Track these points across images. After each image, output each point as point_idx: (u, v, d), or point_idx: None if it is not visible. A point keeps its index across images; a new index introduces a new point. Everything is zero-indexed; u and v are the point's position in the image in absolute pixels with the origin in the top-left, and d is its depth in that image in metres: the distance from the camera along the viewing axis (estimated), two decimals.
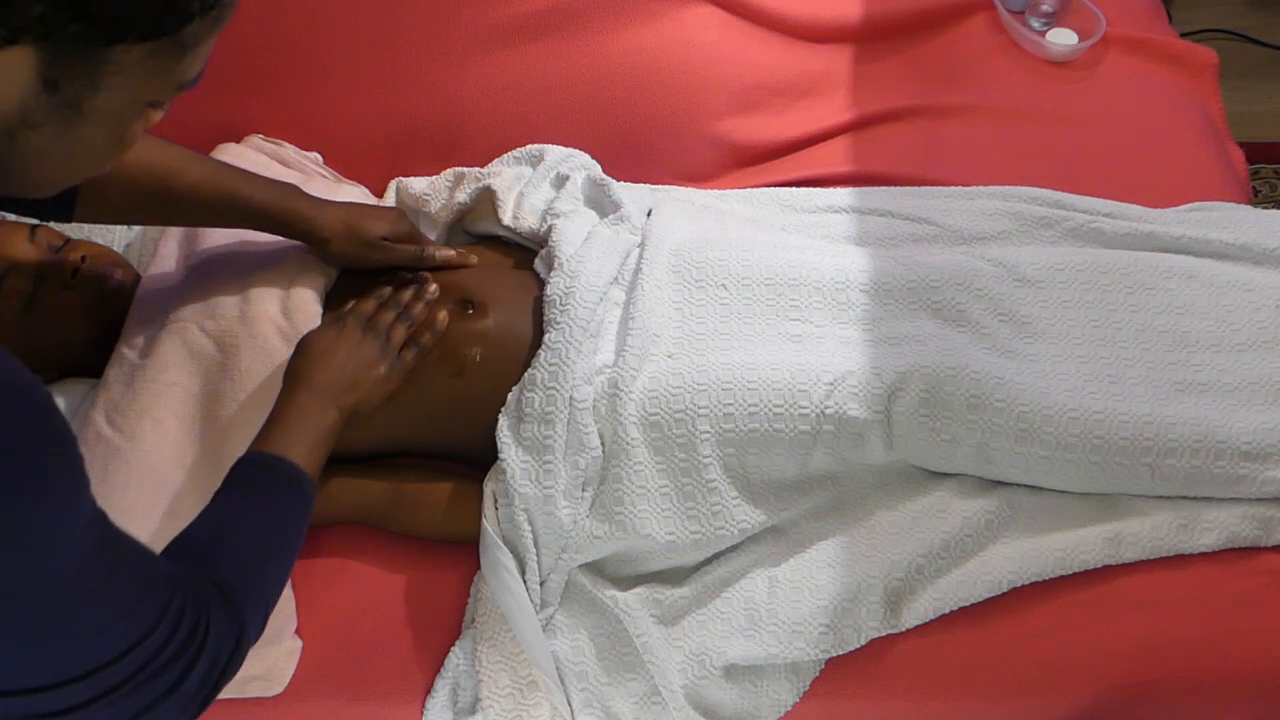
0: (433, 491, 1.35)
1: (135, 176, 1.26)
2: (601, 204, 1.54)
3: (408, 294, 1.36)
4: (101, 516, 0.85)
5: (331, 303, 1.41)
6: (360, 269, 1.41)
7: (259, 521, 1.08)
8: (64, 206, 1.23)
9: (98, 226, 1.57)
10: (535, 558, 1.28)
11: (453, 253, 1.45)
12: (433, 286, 1.38)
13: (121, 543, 0.87)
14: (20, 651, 0.80)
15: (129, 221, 1.43)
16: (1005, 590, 1.28)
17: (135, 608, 0.86)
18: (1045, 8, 1.83)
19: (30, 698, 0.81)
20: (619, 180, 1.59)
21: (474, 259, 1.47)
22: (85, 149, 0.82)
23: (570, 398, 1.29)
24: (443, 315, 1.36)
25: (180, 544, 1.02)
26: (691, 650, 1.27)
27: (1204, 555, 1.29)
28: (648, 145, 1.69)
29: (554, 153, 1.60)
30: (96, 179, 1.16)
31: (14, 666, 0.80)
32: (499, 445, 1.29)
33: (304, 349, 1.27)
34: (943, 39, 1.84)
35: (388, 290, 1.37)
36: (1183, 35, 2.03)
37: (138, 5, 0.74)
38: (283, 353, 1.34)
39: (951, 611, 1.28)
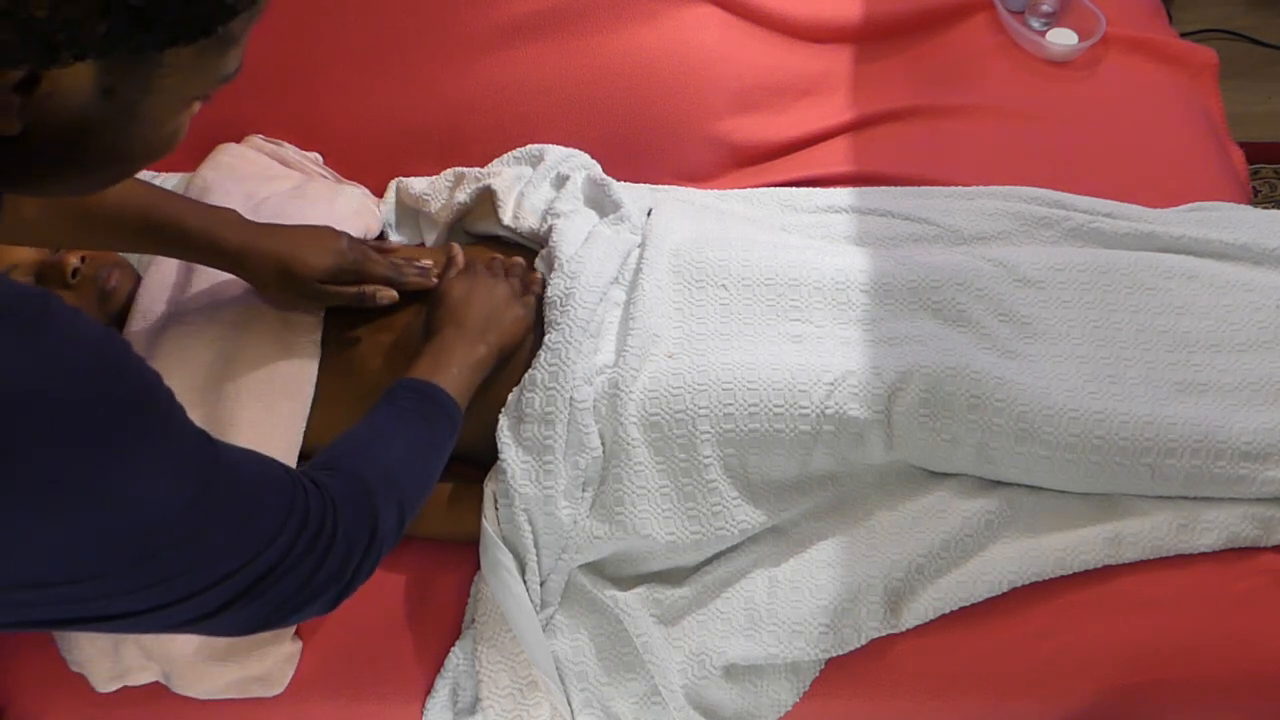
0: (434, 492, 1.35)
1: (53, 200, 1.21)
2: (601, 204, 1.54)
3: (499, 259, 1.42)
4: (205, 445, 0.86)
5: (333, 306, 1.40)
6: (306, 307, 1.38)
7: (404, 433, 1.12)
8: None
9: None
10: (535, 558, 1.28)
11: (395, 295, 1.36)
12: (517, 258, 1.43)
13: (232, 461, 0.88)
14: (141, 580, 0.81)
15: (45, 243, 1.34)
16: (1005, 590, 1.28)
17: (252, 519, 0.87)
18: (1045, 8, 1.83)
19: (163, 612, 0.84)
20: (619, 180, 1.59)
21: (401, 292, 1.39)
22: (139, 147, 0.83)
23: (570, 398, 1.29)
24: (537, 274, 1.41)
25: (327, 450, 1.06)
26: (691, 650, 1.27)
27: (1204, 555, 1.29)
28: (648, 145, 1.69)
29: (554, 153, 1.60)
30: (14, 201, 1.14)
31: (140, 590, 0.82)
32: (499, 445, 1.29)
33: (443, 298, 1.33)
34: (943, 39, 1.84)
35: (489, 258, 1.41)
36: (1183, 35, 2.03)
37: (191, 8, 0.75)
38: (283, 354, 1.34)
39: (951, 611, 1.28)
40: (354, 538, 0.96)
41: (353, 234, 1.44)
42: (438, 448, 1.16)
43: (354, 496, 0.98)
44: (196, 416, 1.29)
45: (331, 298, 1.35)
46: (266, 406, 1.31)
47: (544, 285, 1.40)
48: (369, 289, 1.36)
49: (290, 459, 1.31)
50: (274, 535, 0.88)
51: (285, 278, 1.32)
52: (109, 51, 0.74)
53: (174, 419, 0.83)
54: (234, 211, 1.33)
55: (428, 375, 1.20)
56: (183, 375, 1.33)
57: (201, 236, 1.29)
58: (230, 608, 0.87)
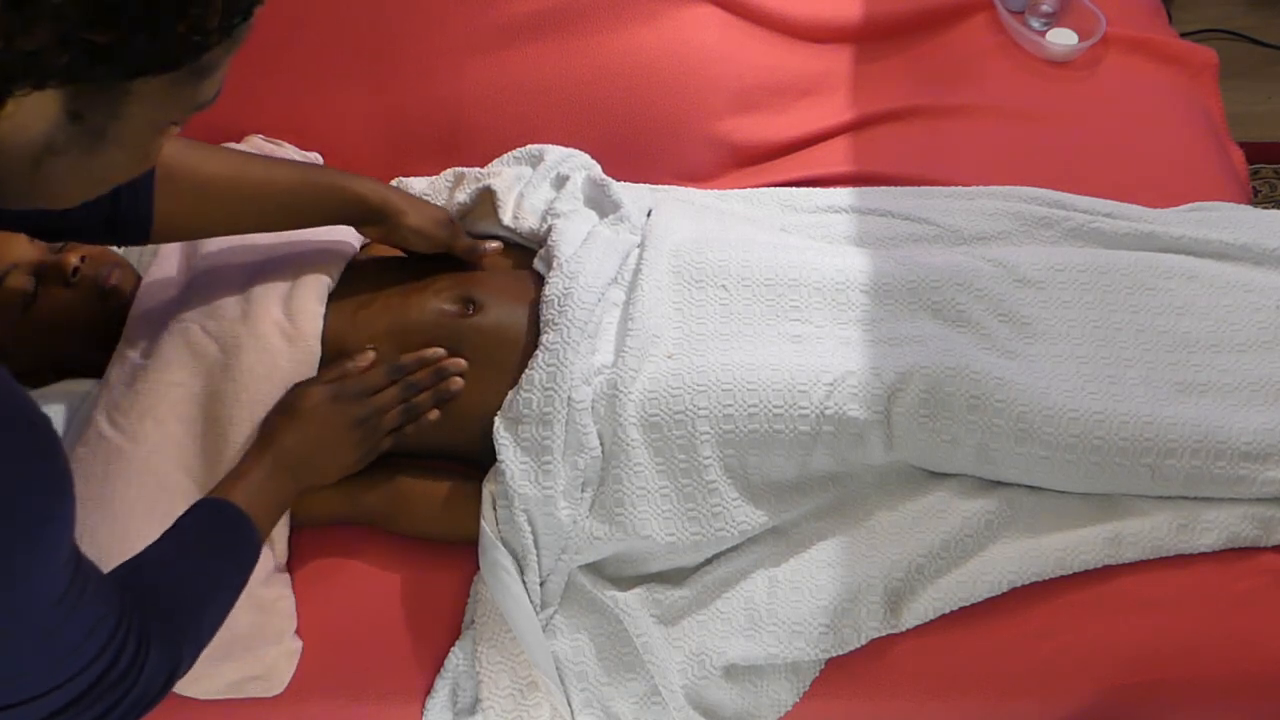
0: (431, 492, 1.35)
1: (206, 187, 1.27)
2: (601, 204, 1.54)
3: (425, 376, 1.33)
4: (73, 544, 0.88)
5: (334, 303, 1.40)
6: (423, 250, 1.42)
7: (209, 563, 1.10)
8: (140, 230, 1.26)
9: None
10: (535, 558, 1.28)
11: (501, 246, 1.47)
12: (458, 384, 1.34)
13: (89, 568, 0.90)
14: (20, 661, 0.83)
15: (205, 234, 1.41)
16: (1005, 590, 1.28)
17: (96, 628, 0.89)
18: (1045, 8, 1.83)
19: (18, 709, 0.85)
20: (619, 180, 1.59)
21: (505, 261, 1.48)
22: (108, 168, 0.84)
23: (568, 398, 1.29)
24: (434, 415, 1.32)
25: (131, 571, 1.04)
26: (691, 650, 1.27)
27: (1204, 555, 1.29)
28: (648, 145, 1.69)
29: (554, 153, 1.60)
30: (171, 197, 1.23)
31: (14, 678, 0.84)
32: (497, 446, 1.29)
33: (291, 406, 1.28)
34: (943, 39, 1.84)
35: (411, 360, 1.33)
36: (1183, 35, 2.03)
37: (158, 44, 0.76)
38: (285, 353, 1.34)
39: (951, 611, 1.28)
40: (158, 667, 0.96)
41: (352, 234, 1.46)
42: (238, 582, 1.14)
43: (165, 632, 0.98)
44: (196, 417, 1.31)
45: (458, 237, 1.44)
46: (266, 408, 1.31)
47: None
48: (481, 244, 1.45)
49: None
50: (109, 638, 0.89)
51: (425, 214, 1.41)
52: (71, 81, 0.74)
53: (74, 505, 0.84)
54: (359, 175, 1.41)
55: (240, 498, 1.17)
56: (182, 375, 1.33)
57: (354, 192, 1.37)
58: (61, 715, 0.87)
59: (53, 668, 0.86)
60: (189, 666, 1.03)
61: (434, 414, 1.33)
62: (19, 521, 0.78)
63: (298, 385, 1.30)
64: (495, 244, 1.46)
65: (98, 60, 0.74)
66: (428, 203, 1.45)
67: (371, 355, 1.34)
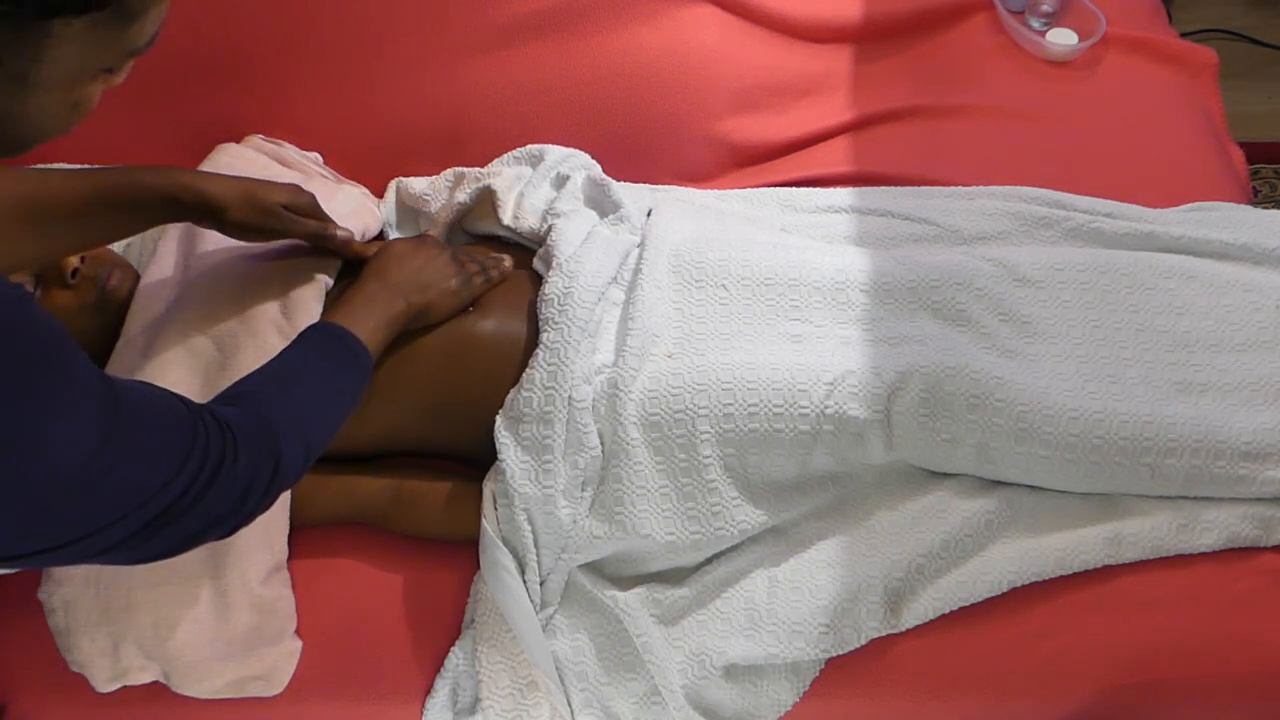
0: (432, 491, 1.35)
1: (4, 211, 1.20)
2: (601, 204, 1.54)
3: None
4: (108, 390, 0.88)
5: (332, 302, 1.40)
6: (263, 240, 1.36)
7: (311, 373, 1.13)
8: None
9: None
10: (535, 558, 1.28)
11: (354, 235, 1.40)
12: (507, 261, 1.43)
13: (135, 399, 0.91)
14: (54, 520, 0.85)
15: (27, 263, 1.30)
16: (1005, 590, 1.28)
17: (157, 456, 0.91)
18: (1045, 8, 1.83)
19: (72, 548, 0.87)
20: (619, 180, 1.59)
21: (373, 249, 1.41)
22: (39, 114, 0.83)
23: (569, 397, 1.29)
24: (508, 261, 1.42)
25: (236, 384, 1.07)
26: (691, 650, 1.27)
27: (1204, 555, 1.29)
28: (648, 145, 1.69)
29: (554, 153, 1.60)
30: None
31: (50, 530, 0.86)
32: (498, 446, 1.29)
33: (384, 251, 1.34)
34: (943, 39, 1.84)
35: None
36: (1183, 35, 2.03)
37: None
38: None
39: (951, 611, 1.28)
40: (255, 472, 0.99)
41: (352, 234, 1.45)
42: (346, 391, 1.17)
43: (256, 432, 1.00)
44: None
45: (295, 225, 1.34)
46: None
47: (501, 279, 1.42)
48: (330, 227, 1.37)
49: None
50: (177, 470, 0.92)
51: (250, 197, 1.30)
52: None
53: (78, 366, 0.85)
54: (172, 166, 1.32)
55: (343, 322, 1.21)
56: (181, 373, 1.33)
57: (162, 185, 1.27)
58: (134, 539, 0.90)
59: (107, 506, 0.88)
60: (297, 466, 1.06)
61: (508, 260, 1.43)
62: (15, 402, 0.78)
63: (383, 245, 1.37)
64: (346, 230, 1.38)
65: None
66: (266, 191, 1.33)
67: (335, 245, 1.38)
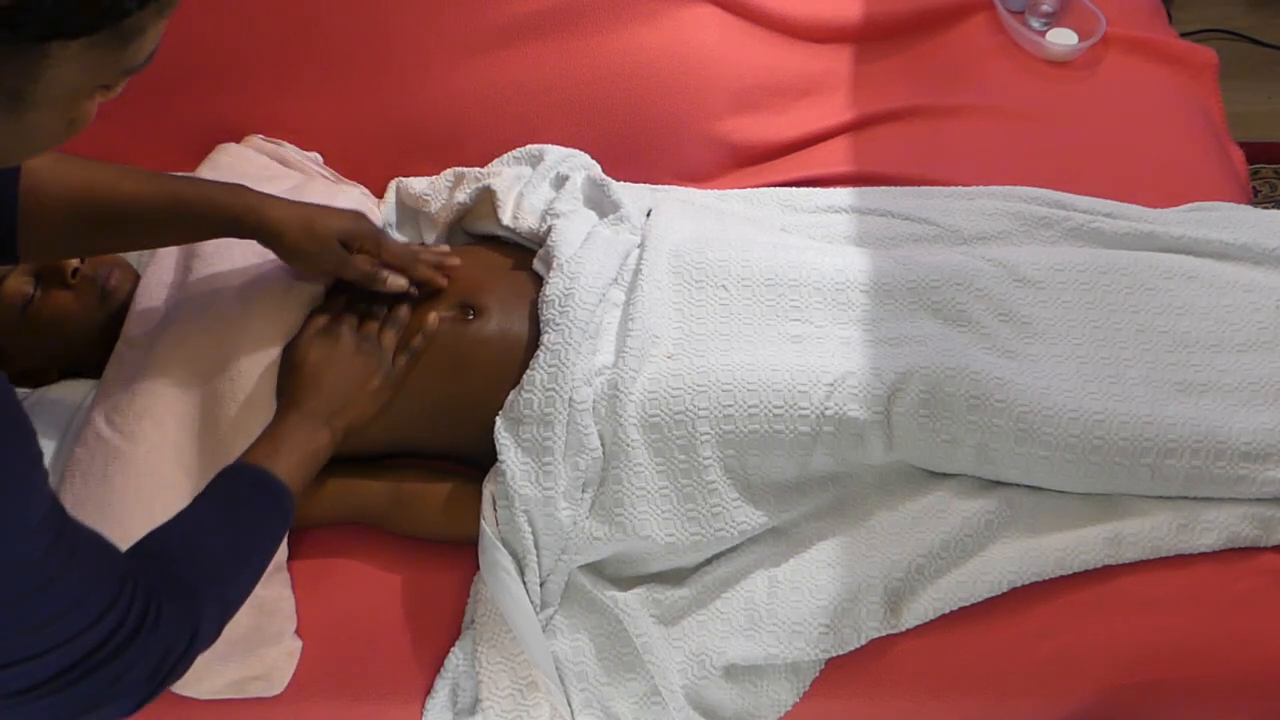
0: (432, 492, 1.35)
1: (76, 201, 1.22)
2: (601, 204, 1.54)
3: (398, 283, 1.35)
4: (59, 511, 0.87)
5: (332, 302, 1.40)
6: (315, 271, 1.37)
7: (231, 528, 1.08)
8: (5, 250, 1.21)
9: None
10: (535, 559, 1.28)
11: (404, 283, 1.36)
12: (399, 283, 1.34)
13: (77, 536, 0.89)
14: None
15: (79, 253, 1.36)
16: (1005, 590, 1.28)
17: (84, 598, 0.87)
18: (1045, 8, 1.83)
19: None
20: (619, 180, 1.59)
21: (442, 280, 1.39)
22: (34, 131, 0.83)
23: (569, 399, 1.29)
24: (432, 316, 1.34)
25: (150, 539, 1.03)
26: (691, 650, 1.27)
27: (1204, 555, 1.29)
28: (648, 145, 1.69)
29: (554, 153, 1.60)
30: (37, 213, 1.16)
31: None
32: (498, 447, 1.29)
33: (295, 368, 1.27)
34: (943, 39, 1.84)
35: (381, 283, 1.35)
36: (1183, 35, 2.03)
37: (67, 11, 0.74)
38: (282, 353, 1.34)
39: (951, 611, 1.28)
40: (170, 645, 0.95)
41: (405, 284, 1.43)
42: (267, 542, 1.12)
43: (177, 607, 0.96)
44: (194, 417, 1.31)
45: (346, 264, 1.33)
46: (264, 407, 1.31)
47: (425, 344, 1.34)
48: (382, 271, 1.35)
49: None
50: (97, 618, 0.88)
51: (308, 225, 1.30)
52: None
53: (40, 472, 0.84)
54: (240, 183, 1.33)
55: (265, 461, 1.15)
56: (180, 374, 1.33)
57: (226, 203, 1.28)
58: (43, 689, 0.86)
59: (30, 636, 0.85)
60: (215, 630, 1.02)
61: (433, 317, 1.34)
62: None
63: (286, 348, 1.31)
64: (397, 279, 1.35)
65: (1, 23, 0.73)
66: (324, 219, 1.33)
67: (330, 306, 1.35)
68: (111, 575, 0.91)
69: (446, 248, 1.45)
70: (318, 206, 1.35)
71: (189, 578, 0.99)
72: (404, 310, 1.35)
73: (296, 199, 1.48)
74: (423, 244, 1.53)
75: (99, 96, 0.85)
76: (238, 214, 1.29)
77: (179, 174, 1.31)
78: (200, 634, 0.99)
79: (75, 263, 1.37)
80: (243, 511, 1.11)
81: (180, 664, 0.97)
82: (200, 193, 1.29)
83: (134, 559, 0.97)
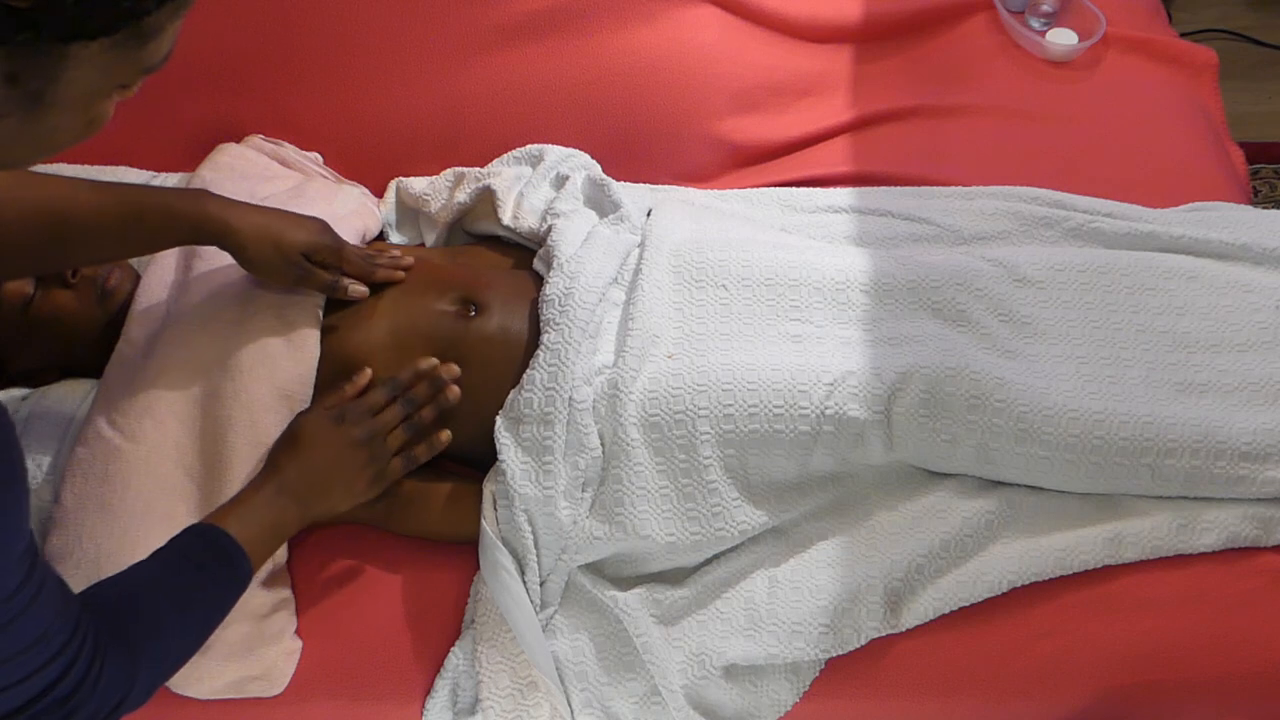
0: (432, 492, 1.35)
1: (30, 218, 1.20)
2: (601, 204, 1.54)
3: (423, 389, 1.30)
4: (34, 549, 0.88)
5: (332, 302, 1.40)
6: (279, 283, 1.35)
7: (183, 590, 1.08)
8: None
9: None
10: (535, 558, 1.28)
11: (365, 290, 1.36)
12: (454, 392, 1.31)
13: (45, 573, 0.89)
14: None
15: (45, 269, 1.33)
16: (1005, 590, 1.28)
17: (44, 637, 0.88)
18: (1045, 8, 1.83)
19: None
20: (619, 180, 1.59)
21: (369, 287, 1.37)
22: (53, 131, 0.83)
23: (569, 398, 1.29)
24: (445, 435, 1.30)
25: (102, 590, 1.03)
26: (691, 650, 1.27)
27: (1204, 555, 1.29)
28: (648, 145, 1.70)
29: (554, 153, 1.60)
30: None
31: None
32: (498, 446, 1.29)
33: (293, 434, 1.25)
34: (943, 39, 1.84)
35: (406, 376, 1.30)
36: (1183, 35, 2.03)
37: (88, 11, 0.75)
38: (283, 352, 1.34)
39: (951, 611, 1.28)
40: (110, 691, 0.95)
41: (352, 234, 1.44)
42: (216, 610, 1.11)
43: (120, 656, 0.97)
44: (195, 417, 1.31)
45: (308, 275, 1.33)
46: (265, 408, 1.31)
47: (437, 449, 1.31)
48: (343, 280, 1.35)
49: None
50: (56, 654, 0.89)
51: (272, 238, 1.30)
52: (1, 44, 0.73)
53: (26, 506, 0.85)
54: (202, 189, 1.32)
55: (232, 525, 1.13)
56: (181, 375, 1.33)
57: (186, 212, 1.27)
58: None
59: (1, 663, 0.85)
60: (144, 694, 1.02)
61: (445, 435, 1.30)
62: None
63: (298, 415, 1.28)
64: (358, 287, 1.35)
65: (22, 25, 0.73)
66: (288, 230, 1.32)
67: (369, 374, 1.31)
68: (69, 619, 0.91)
69: (398, 251, 1.43)
70: (281, 217, 1.34)
71: (132, 636, 0.99)
72: (428, 414, 1.30)
73: (296, 199, 1.49)
74: (376, 247, 1.51)
75: (116, 96, 0.85)
76: (198, 222, 1.28)
77: (137, 184, 1.30)
78: (130, 699, 0.99)
79: None
80: (198, 575, 1.09)
81: (109, 718, 0.97)
82: (159, 201, 1.27)
83: (83, 609, 0.96)
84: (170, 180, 1.63)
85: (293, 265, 1.32)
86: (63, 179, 1.25)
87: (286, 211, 1.36)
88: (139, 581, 1.06)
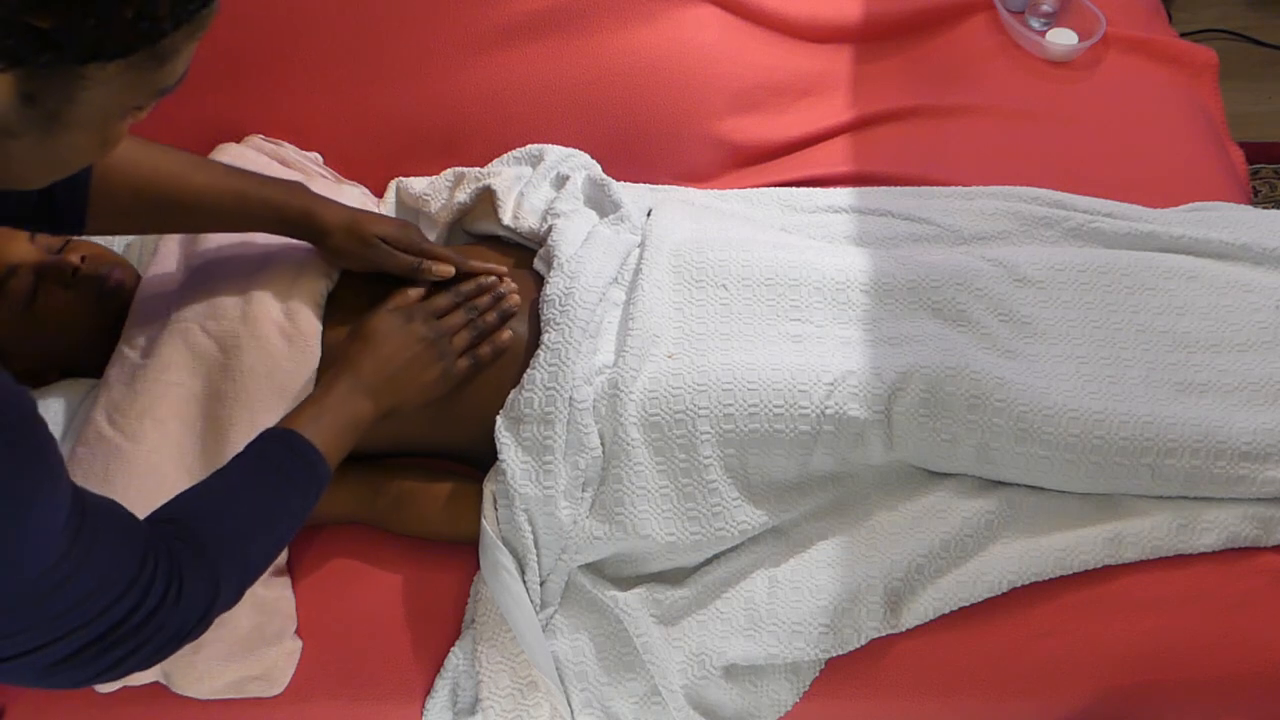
0: (432, 491, 1.35)
1: (144, 185, 1.27)
2: (601, 204, 1.54)
3: (486, 299, 1.36)
4: (79, 506, 0.89)
5: (334, 304, 1.41)
6: (360, 269, 1.40)
7: (260, 493, 1.10)
8: (75, 219, 1.25)
9: None
10: (535, 558, 1.28)
11: (451, 270, 1.39)
12: (515, 299, 1.37)
13: (96, 530, 0.91)
14: (5, 621, 0.85)
15: (140, 230, 1.43)
16: (1005, 590, 1.28)
17: (107, 578, 0.90)
18: (1045, 8, 1.83)
19: (17, 661, 0.87)
20: (619, 180, 1.59)
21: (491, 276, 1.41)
22: (68, 151, 0.84)
23: (570, 398, 1.29)
24: (508, 334, 1.35)
25: (177, 502, 1.06)
26: (691, 650, 1.27)
27: (1204, 555, 1.29)
28: (648, 145, 1.69)
29: (554, 153, 1.60)
30: (107, 190, 1.21)
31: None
32: (498, 446, 1.29)
33: (362, 334, 1.29)
34: (943, 39, 1.84)
35: (469, 286, 1.36)
36: (1183, 35, 2.03)
37: (106, 32, 0.75)
38: (284, 353, 1.34)
39: (951, 611, 1.28)
40: (192, 606, 0.98)
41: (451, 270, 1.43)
42: (295, 511, 1.13)
43: (200, 568, 0.99)
44: (196, 417, 1.31)
45: (389, 259, 1.37)
46: (266, 408, 1.31)
47: (493, 356, 1.35)
48: (426, 262, 1.38)
49: None
50: (120, 594, 0.91)
51: (354, 227, 1.36)
52: (18, 64, 0.74)
53: (60, 467, 0.86)
54: (299, 181, 1.39)
55: (306, 427, 1.16)
56: (182, 374, 1.33)
57: (284, 203, 1.35)
58: (69, 662, 0.90)
59: (52, 624, 0.87)
60: (235, 595, 1.05)
61: (507, 334, 1.35)
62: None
63: (366, 316, 1.32)
64: (444, 266, 1.38)
65: (44, 46, 0.74)
66: (369, 222, 1.38)
67: (422, 290, 1.36)
68: (133, 557, 0.93)
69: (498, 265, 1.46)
70: (366, 211, 1.40)
71: (212, 544, 1.02)
72: (491, 318, 1.35)
73: None
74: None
75: (131, 118, 0.86)
76: (289, 214, 1.35)
77: (245, 171, 1.37)
78: (218, 601, 1.02)
79: (76, 262, 1.37)
80: (275, 477, 1.12)
81: (199, 628, 1.01)
82: (261, 193, 1.34)
83: (158, 526, 0.99)
84: None
85: (372, 249, 1.36)
86: (180, 156, 1.32)
87: (373, 211, 1.45)
88: (220, 490, 1.08)
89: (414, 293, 1.35)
